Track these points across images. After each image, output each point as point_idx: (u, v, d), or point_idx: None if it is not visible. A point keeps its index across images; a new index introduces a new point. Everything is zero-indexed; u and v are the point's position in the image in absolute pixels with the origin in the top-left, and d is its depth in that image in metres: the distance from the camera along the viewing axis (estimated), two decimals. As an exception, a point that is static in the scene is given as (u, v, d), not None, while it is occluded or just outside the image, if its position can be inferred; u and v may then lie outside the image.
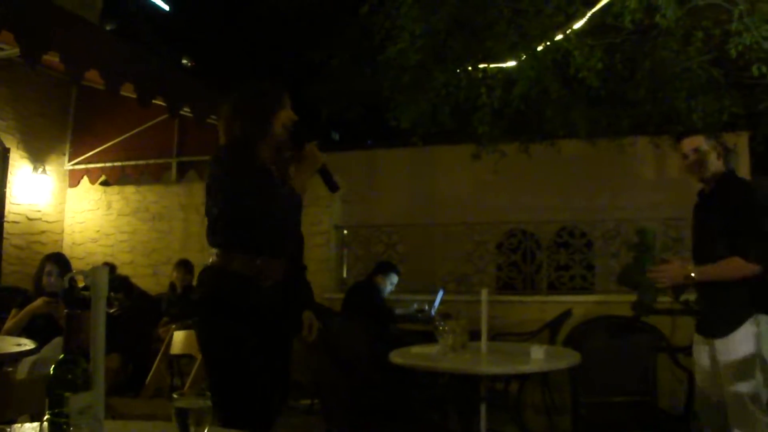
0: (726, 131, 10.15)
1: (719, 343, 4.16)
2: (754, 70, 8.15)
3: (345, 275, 10.51)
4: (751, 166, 12.09)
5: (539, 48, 9.13)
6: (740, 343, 4.07)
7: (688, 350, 4.60)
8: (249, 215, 3.42)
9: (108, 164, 11.15)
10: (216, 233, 3.49)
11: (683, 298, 5.31)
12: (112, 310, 7.04)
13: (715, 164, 4.33)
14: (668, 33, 8.60)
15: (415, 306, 8.33)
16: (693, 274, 4.21)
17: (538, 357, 4.55)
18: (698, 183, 4.46)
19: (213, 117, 7.92)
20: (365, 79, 11.90)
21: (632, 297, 6.37)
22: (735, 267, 4.10)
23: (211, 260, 3.51)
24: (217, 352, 3.41)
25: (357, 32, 11.62)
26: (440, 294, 8.37)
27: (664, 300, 5.85)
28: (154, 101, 7.26)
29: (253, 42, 16.70)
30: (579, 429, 5.00)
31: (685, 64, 9.04)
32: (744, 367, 4.04)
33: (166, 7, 17.83)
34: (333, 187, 3.85)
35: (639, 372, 5.40)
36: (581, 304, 8.48)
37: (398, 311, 8.10)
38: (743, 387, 4.02)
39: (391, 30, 9.79)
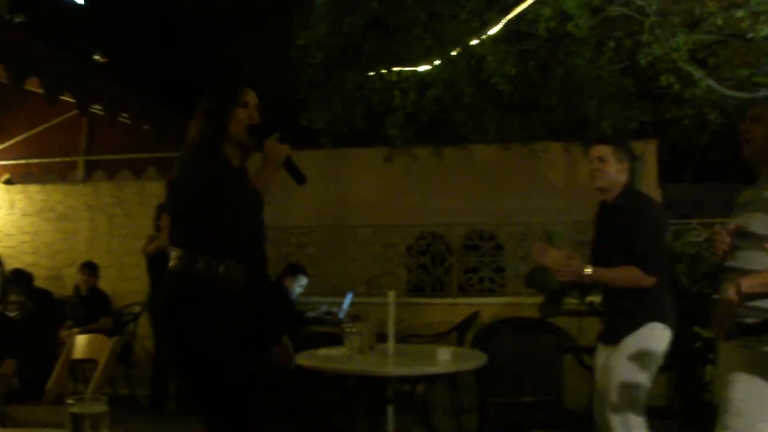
0: (635, 139, 10.39)
1: (613, 350, 4.23)
2: (663, 80, 8.35)
3: (255, 277, 10.40)
4: (658, 174, 12.37)
5: (453, 52, 9.20)
6: (630, 349, 4.15)
7: (593, 351, 4.65)
8: (214, 216, 3.30)
9: (11, 162, 10.75)
10: (176, 235, 3.39)
11: (588, 299, 5.40)
12: (12, 314, 6.82)
13: (613, 175, 4.38)
14: (581, 42, 8.75)
15: (324, 308, 8.28)
16: (589, 271, 4.25)
17: (444, 358, 4.56)
18: (600, 193, 4.51)
19: (125, 114, 7.75)
20: (278, 80, 11.83)
21: (540, 299, 6.48)
22: (632, 276, 4.17)
23: (172, 263, 3.36)
24: (186, 363, 3.27)
25: (272, 31, 11.56)
26: (349, 296, 8.34)
27: (571, 301, 5.95)
28: (62, 97, 7.06)
29: (168, 39, 16.43)
30: (486, 429, 5.02)
31: (597, 73, 9.20)
32: (627, 374, 4.12)
33: (80, 1, 17.42)
34: (301, 179, 3.72)
35: (545, 372, 5.47)
36: (490, 306, 8.54)
37: (307, 313, 8.03)
38: (624, 392, 4.10)
39: (304, 29, 9.75)
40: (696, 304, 5.29)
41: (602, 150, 4.41)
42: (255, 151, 3.62)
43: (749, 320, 3.49)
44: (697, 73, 8.30)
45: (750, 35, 8.13)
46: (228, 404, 3.23)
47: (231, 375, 3.24)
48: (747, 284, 3.36)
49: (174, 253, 3.36)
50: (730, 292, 3.38)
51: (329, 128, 10.41)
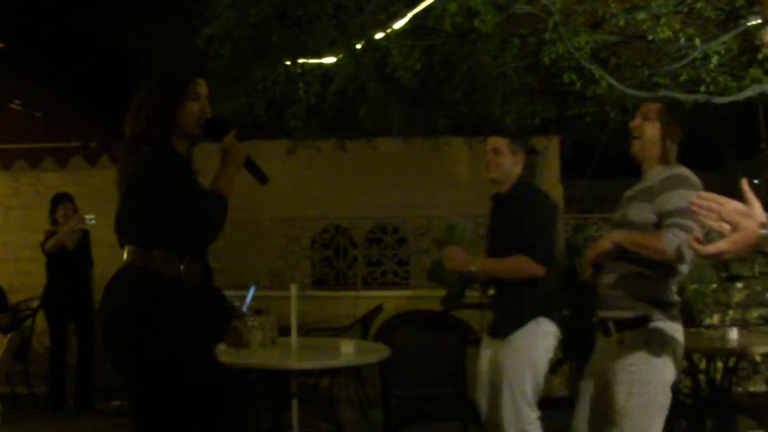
0: (538, 135, 10.56)
1: (500, 344, 4.28)
2: (566, 77, 8.48)
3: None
4: (561, 170, 12.60)
5: (358, 45, 9.18)
6: (517, 344, 4.21)
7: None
8: (171, 214, 3.15)
9: None
10: (133, 230, 3.23)
11: (491, 292, 5.44)
12: None
13: (507, 168, 4.41)
14: (486, 38, 8.82)
15: (227, 302, 8.16)
16: (475, 265, 4.29)
17: (347, 351, 4.55)
18: (493, 184, 4.53)
19: (17, 102, 7.50)
20: (180, 69, 11.62)
21: (443, 292, 6.52)
22: (521, 265, 4.20)
23: (128, 259, 3.22)
24: (153, 366, 3.09)
25: (176, 19, 11.36)
26: (252, 290, 8.23)
27: (473, 294, 6.00)
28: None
29: (66, 25, 15.97)
30: (391, 421, 5.03)
31: (501, 69, 9.29)
32: (517, 368, 4.17)
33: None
34: (262, 179, 3.53)
35: (448, 365, 5.50)
36: (394, 299, 8.56)
37: (210, 307, 7.92)
38: (516, 387, 4.15)
39: (209, 19, 9.61)
40: (596, 297, 5.39)
41: (497, 142, 4.44)
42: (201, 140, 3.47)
43: (627, 315, 3.58)
44: (599, 72, 8.46)
45: (651, 37, 8.34)
46: (186, 409, 3.11)
47: (193, 378, 3.11)
48: (622, 237, 3.52)
49: (130, 249, 3.23)
50: (604, 239, 3.57)
51: (232, 119, 10.26)
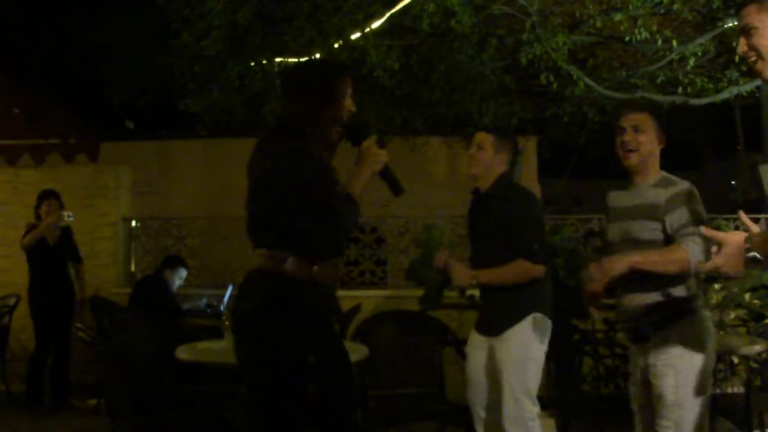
0: (516, 135, 10.57)
1: (496, 341, 4.26)
2: (543, 78, 8.51)
3: (133, 269, 10.13)
4: (538, 170, 12.65)
5: (336, 45, 9.17)
6: (516, 340, 4.19)
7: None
8: (307, 220, 3.04)
9: None
10: (265, 233, 3.12)
11: (469, 293, 5.45)
12: None
13: (488, 164, 4.37)
14: (464, 38, 8.83)
15: (204, 301, 8.11)
16: (475, 280, 4.28)
17: (326, 351, 4.52)
18: (473, 180, 4.49)
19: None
20: (159, 66, 11.58)
21: (421, 292, 6.51)
22: (523, 269, 4.18)
23: (259, 262, 3.12)
24: (281, 371, 3.02)
25: (152, 17, 11.30)
26: (230, 289, 8.21)
27: (451, 295, 5.99)
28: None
29: (46, 21, 15.86)
30: (368, 422, 5.02)
31: (479, 69, 9.31)
32: (518, 364, 4.16)
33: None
34: (398, 190, 3.33)
35: (425, 365, 5.49)
36: (371, 299, 8.54)
37: (187, 306, 7.87)
38: (517, 383, 4.14)
39: (189, 17, 9.57)
40: (573, 298, 5.40)
41: (483, 137, 4.41)
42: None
43: (657, 317, 3.66)
44: (576, 73, 8.50)
45: (628, 38, 8.38)
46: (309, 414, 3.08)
47: (320, 383, 3.12)
48: (638, 260, 3.53)
49: (261, 252, 3.12)
50: (618, 262, 3.55)
51: (207, 115, 10.25)
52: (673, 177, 3.75)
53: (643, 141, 3.74)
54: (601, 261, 3.63)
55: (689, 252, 3.49)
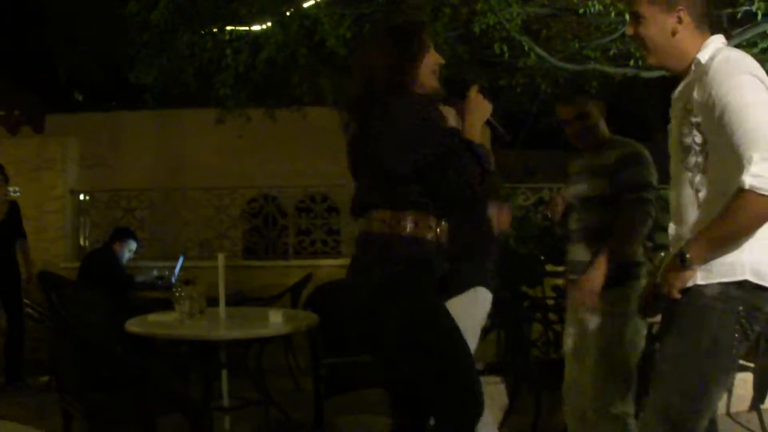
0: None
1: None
2: (496, 48, 8.50)
3: (82, 243, 10.03)
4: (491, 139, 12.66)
5: (287, 13, 9.08)
6: (456, 311, 4.20)
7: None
8: (433, 170, 2.94)
9: None
10: (385, 190, 3.00)
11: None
12: None
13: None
14: (417, 7, 8.78)
15: (155, 273, 8.06)
16: None
17: (276, 321, 4.52)
18: None
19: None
20: (107, 36, 11.40)
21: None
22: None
23: (377, 226, 3.01)
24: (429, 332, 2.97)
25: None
26: (181, 260, 8.16)
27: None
28: None
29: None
30: (321, 390, 5.01)
31: (433, 39, 9.27)
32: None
33: None
34: (503, 138, 3.28)
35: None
36: (324, 268, 8.56)
37: (138, 279, 7.81)
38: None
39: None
40: (524, 265, 5.45)
41: (448, 111, 4.44)
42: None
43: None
44: (529, 44, 8.49)
45: (582, 10, 8.38)
46: (459, 372, 3.04)
47: (460, 342, 3.06)
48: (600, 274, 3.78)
49: (379, 215, 3.00)
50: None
51: (158, 86, 10.12)
52: (624, 139, 4.00)
53: (588, 124, 3.98)
54: (580, 286, 3.82)
55: (631, 216, 3.76)
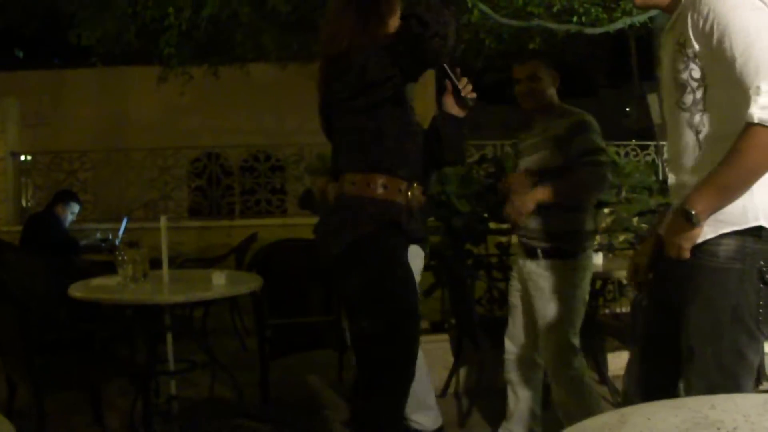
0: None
1: None
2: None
3: (25, 205, 9.88)
4: (436, 95, 12.65)
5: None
6: None
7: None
8: (401, 133, 2.96)
9: None
10: (355, 153, 2.99)
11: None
12: None
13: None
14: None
15: (99, 235, 7.96)
16: None
17: (219, 283, 4.50)
18: None
19: None
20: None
21: (317, 220, 6.50)
22: None
23: (348, 190, 2.98)
24: (394, 297, 2.96)
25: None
26: (124, 222, 8.07)
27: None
28: None
29: None
30: (265, 351, 5.03)
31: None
32: None
33: None
34: (457, 91, 3.09)
35: (322, 293, 5.52)
36: (268, 228, 8.54)
37: (81, 242, 7.72)
38: None
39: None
40: (466, 223, 5.48)
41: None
42: None
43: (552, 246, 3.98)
44: (473, 0, 8.48)
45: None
46: (408, 343, 3.03)
47: (415, 311, 3.04)
48: (543, 195, 3.83)
49: (349, 178, 2.99)
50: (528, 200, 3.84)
51: (101, 46, 9.95)
52: (572, 108, 4.03)
53: (538, 87, 4.00)
54: (512, 202, 3.87)
55: (585, 179, 3.81)
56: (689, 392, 2.40)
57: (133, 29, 10.02)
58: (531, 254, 4.01)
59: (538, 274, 3.96)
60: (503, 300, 5.89)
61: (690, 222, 2.26)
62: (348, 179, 3.00)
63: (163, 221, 4.71)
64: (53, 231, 7.25)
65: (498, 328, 4.46)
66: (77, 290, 4.59)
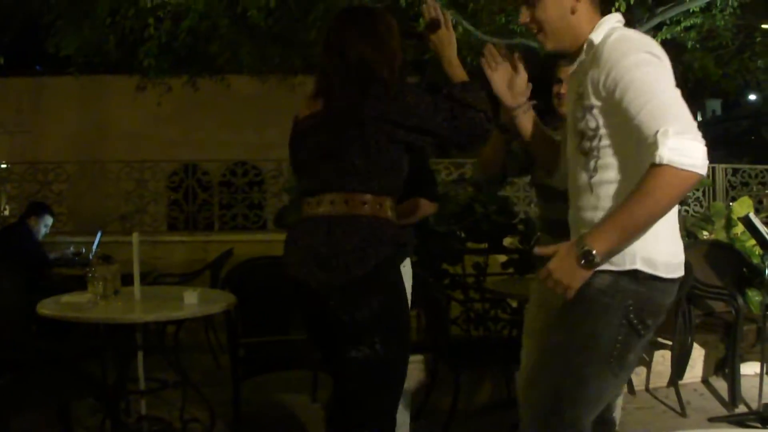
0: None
1: None
2: (422, 21, 8.48)
3: (-1, 215, 9.77)
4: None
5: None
6: None
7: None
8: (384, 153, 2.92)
9: None
10: (341, 173, 2.90)
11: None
12: None
13: None
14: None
15: (72, 249, 7.86)
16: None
17: (191, 302, 4.42)
18: None
19: None
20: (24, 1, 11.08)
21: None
22: (425, 209, 4.12)
23: (359, 208, 2.90)
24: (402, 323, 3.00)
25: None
26: (98, 236, 7.96)
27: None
28: None
29: None
30: (239, 370, 4.95)
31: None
32: None
33: None
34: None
35: (298, 312, 5.43)
36: (245, 244, 8.43)
37: (54, 255, 7.61)
38: None
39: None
40: (443, 243, 5.44)
41: None
42: None
43: None
44: (456, 17, 8.48)
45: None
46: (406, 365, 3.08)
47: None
48: None
49: (331, 197, 2.92)
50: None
51: (80, 56, 9.89)
52: None
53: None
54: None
55: None
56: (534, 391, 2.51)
57: (112, 39, 9.97)
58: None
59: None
60: (480, 320, 5.84)
61: (589, 262, 2.29)
62: (357, 199, 2.91)
63: (135, 237, 4.64)
64: (25, 244, 7.15)
65: (474, 349, 4.41)
66: (46, 307, 4.50)
